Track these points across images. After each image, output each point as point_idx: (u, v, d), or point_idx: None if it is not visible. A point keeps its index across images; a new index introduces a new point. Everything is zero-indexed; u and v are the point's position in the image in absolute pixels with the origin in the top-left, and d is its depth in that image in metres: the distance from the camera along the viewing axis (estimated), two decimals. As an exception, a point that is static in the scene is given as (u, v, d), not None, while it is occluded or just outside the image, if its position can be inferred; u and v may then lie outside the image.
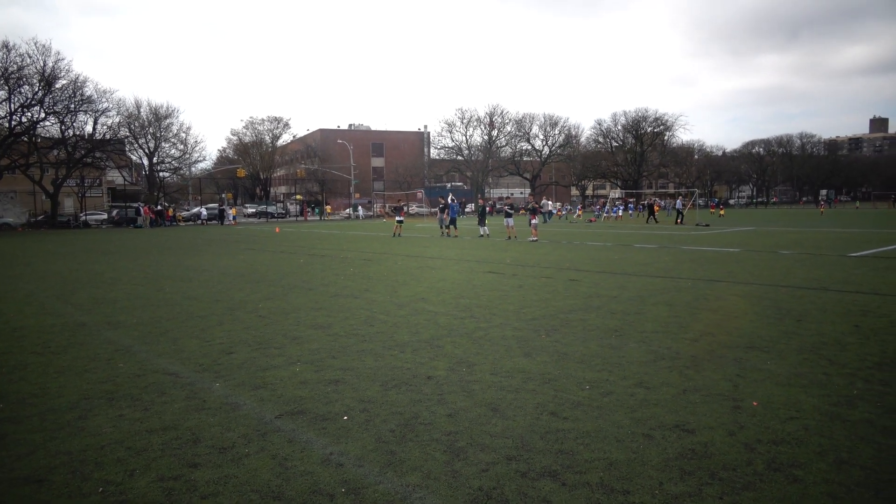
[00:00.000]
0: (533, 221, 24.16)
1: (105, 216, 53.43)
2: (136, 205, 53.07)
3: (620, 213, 49.01)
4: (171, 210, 56.17)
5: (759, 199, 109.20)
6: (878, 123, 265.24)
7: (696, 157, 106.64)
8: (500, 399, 4.85)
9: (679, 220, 36.26)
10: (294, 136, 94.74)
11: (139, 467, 3.73)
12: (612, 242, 22.07)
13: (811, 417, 4.35)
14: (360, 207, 66.95)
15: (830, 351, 6.13)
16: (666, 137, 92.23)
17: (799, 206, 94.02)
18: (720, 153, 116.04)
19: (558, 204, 52.89)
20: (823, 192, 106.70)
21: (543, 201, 52.79)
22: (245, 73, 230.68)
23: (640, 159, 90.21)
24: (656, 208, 41.65)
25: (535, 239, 23.40)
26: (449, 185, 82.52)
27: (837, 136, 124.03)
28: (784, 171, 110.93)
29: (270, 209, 68.33)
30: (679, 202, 38.94)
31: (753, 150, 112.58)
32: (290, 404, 4.81)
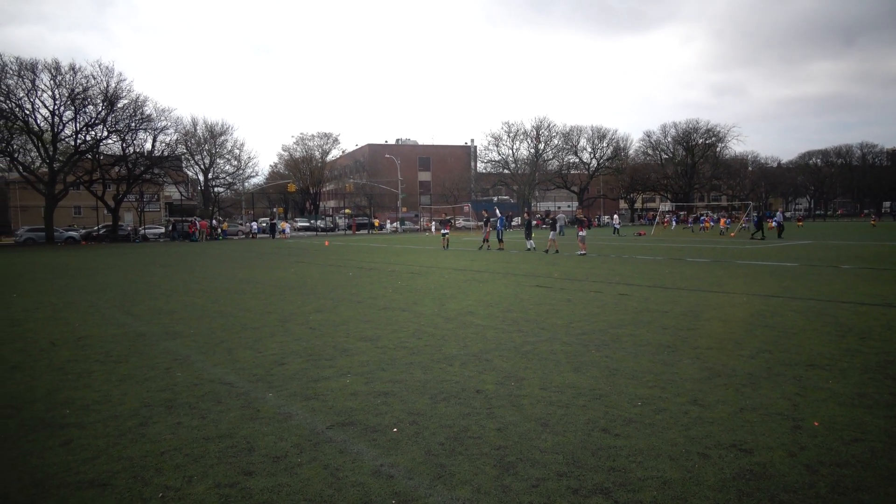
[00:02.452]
0: (581, 234, 23.90)
1: (162, 230, 55.39)
2: (190, 219, 54.81)
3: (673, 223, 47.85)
4: (225, 224, 57.89)
5: (818, 212, 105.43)
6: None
7: (749, 168, 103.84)
8: (550, 414, 4.80)
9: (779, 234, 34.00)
10: (343, 152, 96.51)
11: (197, 474, 3.84)
12: (662, 256, 21.65)
13: (878, 440, 4.16)
14: (387, 221, 68.06)
15: (897, 370, 5.86)
16: (718, 149, 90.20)
17: (860, 218, 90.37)
18: (775, 165, 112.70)
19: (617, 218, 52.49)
20: (886, 203, 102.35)
21: (615, 216, 52.44)
22: (296, 89, 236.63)
23: (692, 171, 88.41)
24: (770, 224, 37.19)
25: (583, 252, 23.15)
26: (495, 198, 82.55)
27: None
28: (843, 183, 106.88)
29: (365, 220, 70.12)
30: (780, 214, 37.36)
31: (810, 162, 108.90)
32: (341, 415, 4.88)
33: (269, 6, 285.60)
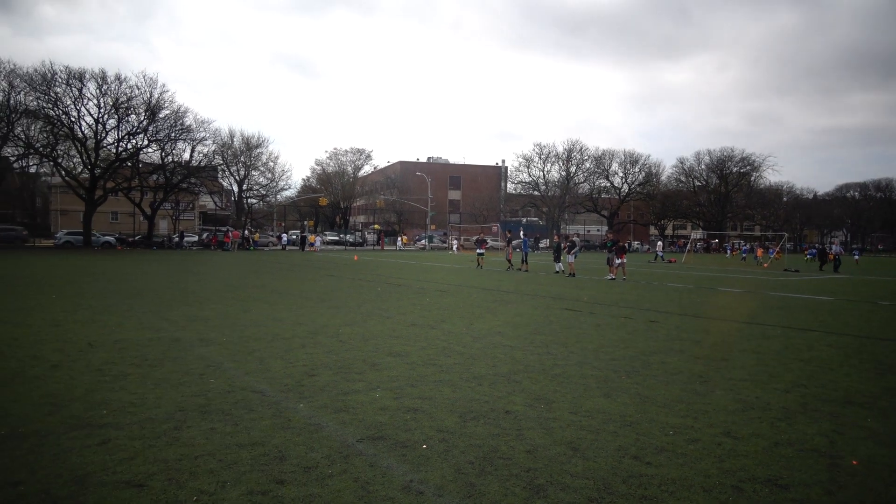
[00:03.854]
0: (621, 261, 23.55)
1: (196, 238, 56.50)
2: (224, 229, 55.84)
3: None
4: (256, 235, 58.83)
5: (855, 246, 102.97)
6: None
7: (784, 199, 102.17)
8: (581, 439, 4.77)
9: (835, 267, 33.14)
10: (375, 167, 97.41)
11: (230, 480, 3.90)
12: (693, 285, 21.37)
13: (919, 482, 4.05)
14: (398, 239, 67.06)
15: (940, 412, 5.69)
16: (752, 178, 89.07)
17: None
18: (811, 196, 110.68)
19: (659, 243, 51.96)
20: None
21: (659, 243, 51.95)
22: (332, 105, 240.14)
23: (725, 200, 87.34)
24: (830, 256, 35.45)
25: (613, 277, 22.97)
26: (524, 219, 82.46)
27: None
28: (882, 217, 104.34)
29: (431, 240, 68.47)
30: (836, 247, 36.58)
31: (848, 194, 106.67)
32: (370, 429, 4.91)
33: (307, 25, 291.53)
